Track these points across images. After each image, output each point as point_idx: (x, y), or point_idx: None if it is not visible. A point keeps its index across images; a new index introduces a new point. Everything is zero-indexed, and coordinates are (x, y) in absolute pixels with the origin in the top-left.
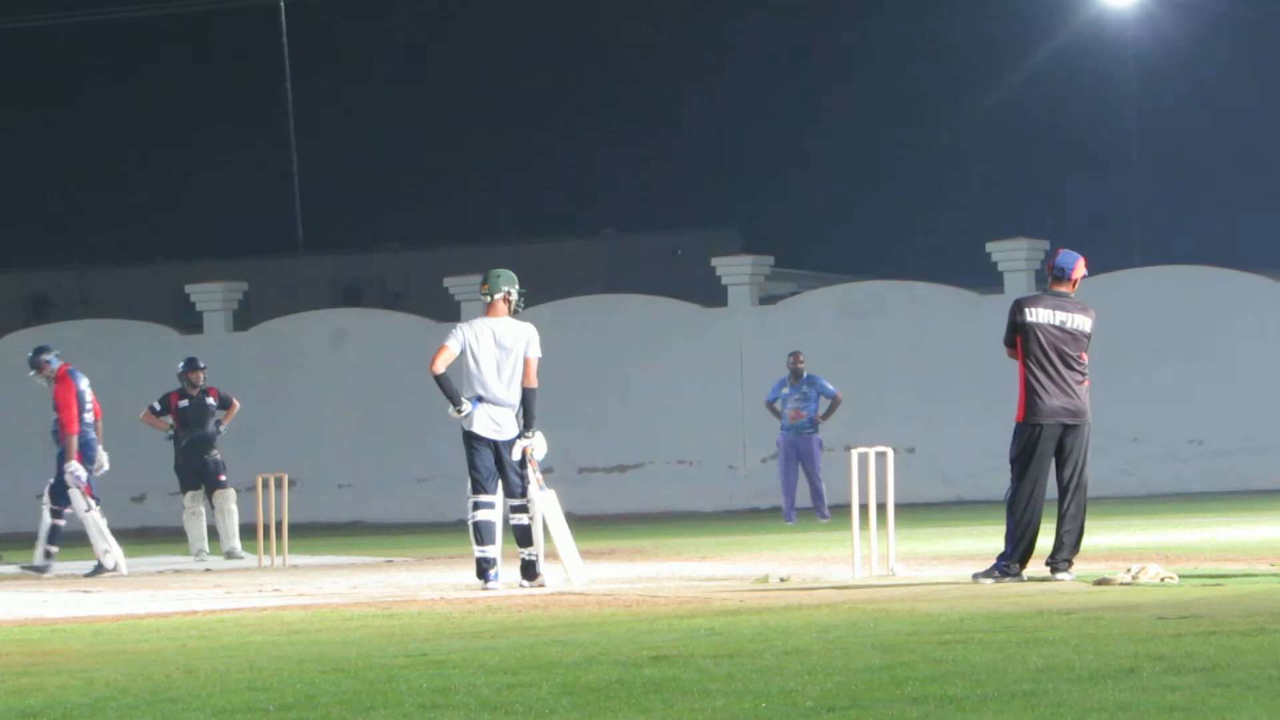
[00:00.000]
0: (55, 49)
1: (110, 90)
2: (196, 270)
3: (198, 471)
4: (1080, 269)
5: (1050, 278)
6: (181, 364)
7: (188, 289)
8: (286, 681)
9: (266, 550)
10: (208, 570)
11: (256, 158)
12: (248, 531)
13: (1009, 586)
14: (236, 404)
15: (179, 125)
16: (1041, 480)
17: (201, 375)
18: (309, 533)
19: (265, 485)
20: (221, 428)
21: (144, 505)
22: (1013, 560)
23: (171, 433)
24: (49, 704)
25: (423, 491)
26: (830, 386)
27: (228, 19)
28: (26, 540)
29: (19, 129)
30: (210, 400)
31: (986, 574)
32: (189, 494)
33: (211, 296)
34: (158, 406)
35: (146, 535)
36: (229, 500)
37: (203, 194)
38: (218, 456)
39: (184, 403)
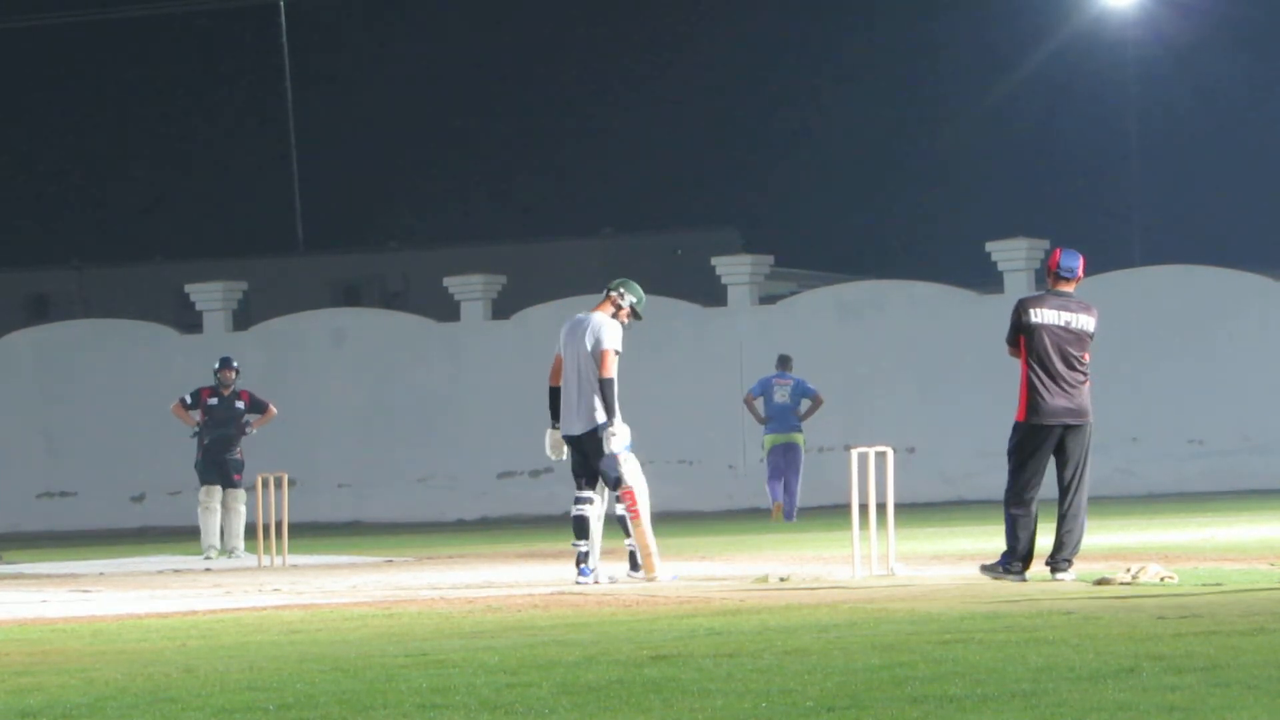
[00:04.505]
0: (55, 48)
1: (110, 89)
2: (196, 270)
3: (217, 468)
4: (1082, 268)
5: (1055, 278)
6: (217, 362)
7: (188, 289)
8: (286, 681)
9: (266, 550)
10: (208, 570)
11: (256, 158)
12: (248, 531)
13: (1009, 586)
14: (273, 410)
15: (179, 125)
16: (1037, 477)
17: (233, 375)
18: (309, 533)
19: (265, 485)
20: (251, 429)
21: (144, 505)
22: (1014, 559)
23: (197, 429)
24: (49, 704)
25: (423, 491)
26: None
27: (228, 18)
28: (26, 540)
29: (19, 127)
30: (240, 403)
31: (990, 568)
32: (205, 489)
33: (211, 296)
34: (189, 400)
35: (146, 535)
36: (238, 500)
37: (203, 194)
38: (238, 456)
39: (213, 400)
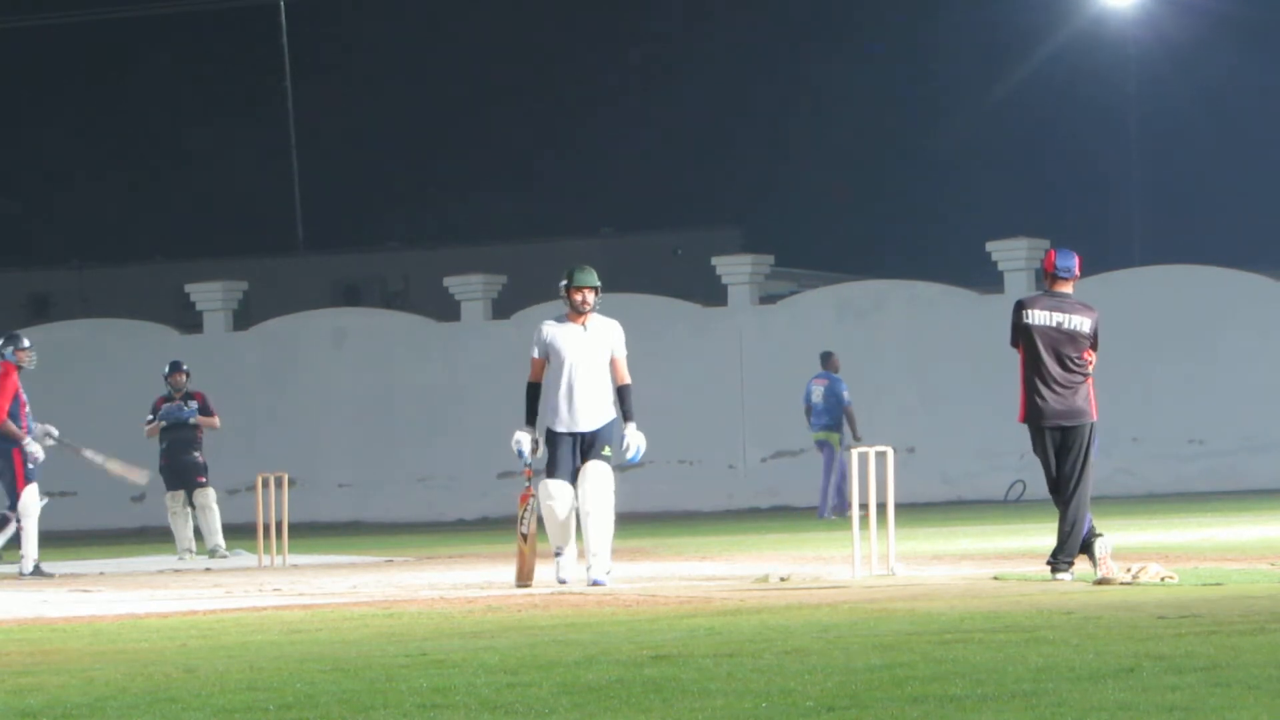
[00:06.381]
0: (54, 48)
1: (110, 89)
2: (196, 270)
3: (179, 473)
4: (1078, 266)
5: (1052, 278)
6: (167, 367)
7: (188, 289)
8: (286, 681)
9: (266, 550)
10: (207, 570)
11: (256, 158)
12: (248, 531)
13: (1009, 586)
14: (216, 419)
15: (179, 125)
16: (1050, 475)
17: (183, 378)
18: (309, 533)
19: (265, 485)
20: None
21: (144, 505)
22: (1062, 554)
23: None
24: (49, 704)
25: (423, 491)
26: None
27: (227, 18)
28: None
29: (19, 128)
30: (192, 403)
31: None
32: (170, 494)
33: (211, 296)
34: (150, 416)
35: (146, 535)
36: (209, 499)
37: (203, 194)
38: (199, 459)
39: (167, 405)
